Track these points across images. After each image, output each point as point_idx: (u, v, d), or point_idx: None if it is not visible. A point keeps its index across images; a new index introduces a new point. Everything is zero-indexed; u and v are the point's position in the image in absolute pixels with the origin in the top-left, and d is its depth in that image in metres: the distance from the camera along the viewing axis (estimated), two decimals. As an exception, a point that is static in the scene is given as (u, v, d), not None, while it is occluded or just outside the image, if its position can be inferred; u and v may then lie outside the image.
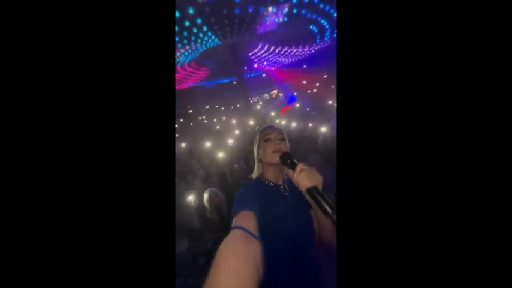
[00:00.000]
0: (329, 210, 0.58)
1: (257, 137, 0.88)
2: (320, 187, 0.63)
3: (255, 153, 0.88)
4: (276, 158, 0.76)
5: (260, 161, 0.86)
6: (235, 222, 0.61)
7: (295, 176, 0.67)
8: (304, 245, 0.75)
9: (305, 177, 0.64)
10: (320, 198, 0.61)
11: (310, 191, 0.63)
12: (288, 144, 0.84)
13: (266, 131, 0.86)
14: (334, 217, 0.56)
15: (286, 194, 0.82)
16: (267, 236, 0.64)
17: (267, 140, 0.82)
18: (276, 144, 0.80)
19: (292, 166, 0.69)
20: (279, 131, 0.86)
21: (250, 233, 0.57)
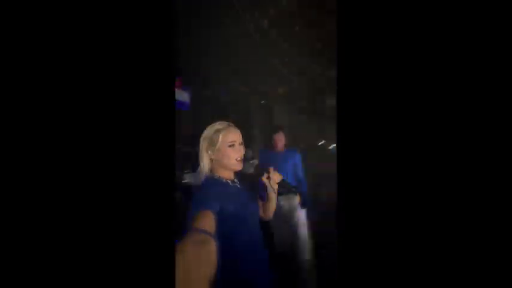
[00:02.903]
0: (294, 188, 0.93)
1: (218, 138, 0.82)
2: (285, 178, 0.94)
3: (208, 152, 0.83)
4: (239, 166, 0.83)
5: (211, 160, 0.84)
6: (192, 223, 0.63)
7: (268, 177, 0.89)
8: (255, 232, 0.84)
9: (275, 174, 0.90)
10: (288, 184, 0.94)
11: (281, 184, 0.92)
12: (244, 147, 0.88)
13: (228, 136, 0.81)
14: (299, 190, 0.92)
15: (239, 186, 0.87)
16: (228, 231, 0.71)
17: (231, 145, 0.81)
18: (239, 150, 0.82)
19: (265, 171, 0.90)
20: (238, 133, 0.85)
21: (206, 233, 0.60)
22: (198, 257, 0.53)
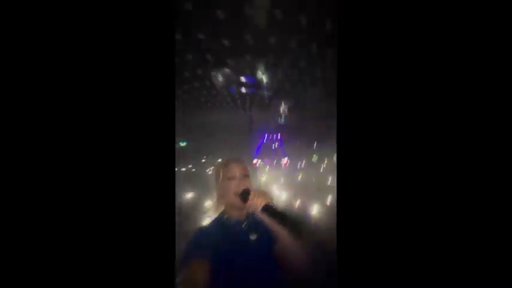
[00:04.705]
0: (285, 221, 0.65)
1: (219, 172, 0.78)
2: (271, 203, 0.69)
3: (215, 191, 0.80)
4: (238, 201, 0.72)
5: (222, 196, 0.78)
6: (185, 273, 0.60)
7: (249, 204, 0.69)
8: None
9: (257, 198, 0.68)
10: (275, 212, 0.67)
11: (264, 209, 0.67)
12: (250, 182, 0.77)
13: (229, 167, 0.77)
14: (294, 227, 0.64)
15: (247, 230, 0.75)
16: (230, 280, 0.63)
17: (230, 178, 0.75)
18: (239, 184, 0.74)
19: (246, 199, 0.71)
20: (243, 166, 0.78)
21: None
22: None
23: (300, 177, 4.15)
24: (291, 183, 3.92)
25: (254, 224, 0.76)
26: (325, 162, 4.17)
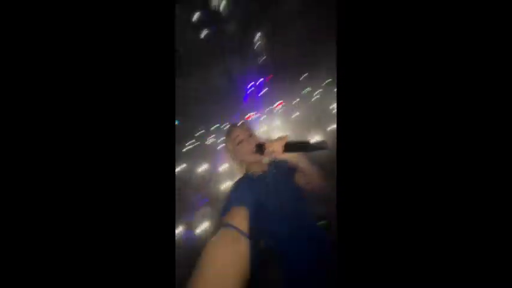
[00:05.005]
0: (309, 146, 0.70)
1: (228, 144, 0.86)
2: (288, 139, 0.74)
3: (232, 158, 0.86)
4: (256, 156, 0.79)
5: (241, 161, 0.85)
6: (226, 219, 0.60)
7: (270, 151, 0.74)
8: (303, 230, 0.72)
9: (274, 144, 0.74)
10: (297, 144, 0.73)
11: (286, 147, 0.73)
12: (257, 136, 0.85)
13: (234, 134, 0.83)
14: (323, 144, 0.70)
15: (275, 175, 0.80)
16: (263, 229, 0.63)
17: (239, 142, 0.81)
18: (249, 143, 0.81)
19: (262, 150, 0.77)
20: (245, 126, 0.85)
21: (240, 231, 0.55)
22: (227, 256, 0.50)
23: (296, 114, 4.06)
24: (291, 122, 3.87)
25: (277, 167, 0.82)
26: (319, 91, 4.00)
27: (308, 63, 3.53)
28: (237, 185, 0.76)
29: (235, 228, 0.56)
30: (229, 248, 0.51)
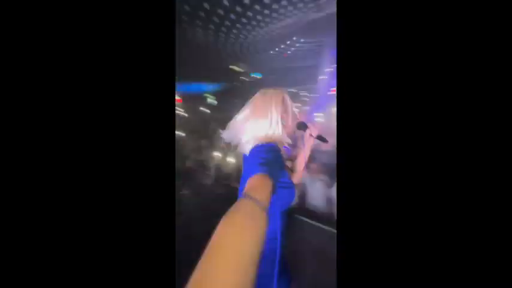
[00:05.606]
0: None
1: (286, 102, 0.78)
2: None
3: (280, 118, 0.76)
4: (291, 131, 0.80)
5: (289, 127, 0.80)
6: (248, 188, 0.49)
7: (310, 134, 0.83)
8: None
9: (315, 128, 0.82)
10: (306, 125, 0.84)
11: (299, 125, 0.83)
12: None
13: (285, 101, 0.78)
14: (324, 138, 0.82)
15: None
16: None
17: (287, 112, 0.78)
18: (297, 118, 0.84)
19: (304, 127, 0.85)
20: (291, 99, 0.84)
21: (260, 205, 0.46)
22: (245, 233, 0.39)
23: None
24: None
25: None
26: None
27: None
28: (268, 148, 0.64)
29: (256, 201, 0.45)
30: (248, 223, 0.41)
